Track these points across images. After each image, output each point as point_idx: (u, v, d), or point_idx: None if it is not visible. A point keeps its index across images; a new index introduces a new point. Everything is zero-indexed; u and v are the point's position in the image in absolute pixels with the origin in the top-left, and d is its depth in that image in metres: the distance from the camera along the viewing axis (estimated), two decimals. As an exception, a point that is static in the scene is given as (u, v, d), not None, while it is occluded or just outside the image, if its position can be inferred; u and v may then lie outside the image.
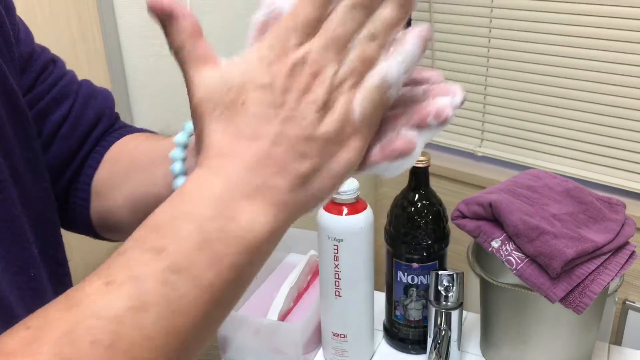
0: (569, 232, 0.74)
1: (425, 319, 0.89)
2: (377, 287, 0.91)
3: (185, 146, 0.47)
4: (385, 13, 0.35)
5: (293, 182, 0.34)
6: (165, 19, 0.36)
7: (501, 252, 0.77)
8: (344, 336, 0.88)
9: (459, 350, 0.87)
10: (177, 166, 0.46)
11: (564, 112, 1.51)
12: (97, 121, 0.57)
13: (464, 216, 0.83)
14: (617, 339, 1.44)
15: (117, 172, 0.55)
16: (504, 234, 0.78)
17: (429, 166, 0.84)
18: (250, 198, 0.33)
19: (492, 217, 0.79)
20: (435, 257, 0.86)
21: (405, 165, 0.38)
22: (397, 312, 0.91)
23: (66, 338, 0.29)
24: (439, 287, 0.82)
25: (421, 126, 0.38)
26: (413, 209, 0.85)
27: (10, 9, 0.51)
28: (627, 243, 0.78)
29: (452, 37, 1.65)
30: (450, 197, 1.08)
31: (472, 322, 0.96)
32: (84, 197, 0.57)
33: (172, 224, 0.33)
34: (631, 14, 1.34)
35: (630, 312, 1.43)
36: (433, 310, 0.83)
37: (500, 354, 0.86)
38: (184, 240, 0.32)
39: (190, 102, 0.37)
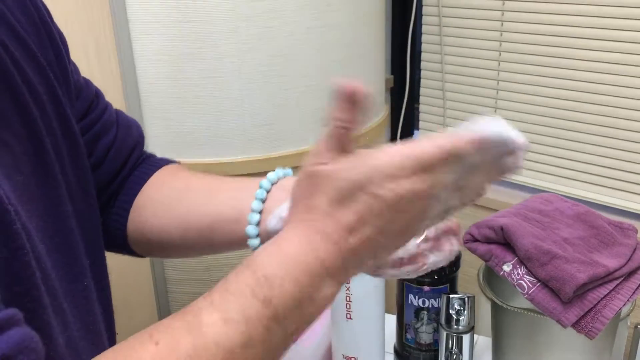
0: (580, 257, 0.74)
1: (436, 342, 0.89)
2: (388, 310, 0.91)
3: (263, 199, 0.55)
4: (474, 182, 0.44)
5: (358, 273, 0.45)
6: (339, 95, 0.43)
7: (512, 276, 0.77)
8: (355, 359, 0.88)
9: (470, 374, 0.87)
10: (254, 222, 0.55)
11: (575, 135, 1.51)
12: (134, 148, 0.65)
13: (475, 239, 0.83)
14: (629, 363, 1.42)
15: (169, 196, 0.62)
16: (515, 258, 0.78)
17: (440, 189, 0.85)
18: (333, 278, 0.42)
19: (504, 240, 0.79)
20: (447, 280, 0.86)
21: (413, 275, 0.52)
22: (408, 335, 0.91)
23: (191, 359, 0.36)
24: (450, 311, 0.82)
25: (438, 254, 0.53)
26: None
27: (65, 42, 0.56)
28: (639, 268, 0.78)
29: (462, 60, 1.67)
30: (460, 219, 1.08)
31: (483, 346, 0.96)
32: (124, 215, 0.63)
33: (280, 281, 0.40)
34: (641, 38, 1.35)
35: (643, 337, 1.41)
36: (444, 333, 0.83)
37: (511, 378, 0.85)
38: (287, 298, 0.40)
39: (309, 170, 0.44)
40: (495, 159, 0.42)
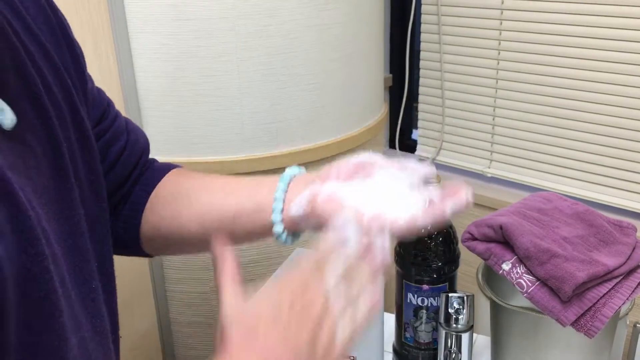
0: (580, 255, 0.74)
1: (435, 341, 0.89)
2: (386, 309, 0.91)
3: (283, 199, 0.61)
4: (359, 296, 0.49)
5: None
6: (215, 261, 0.52)
7: (512, 275, 0.77)
8: (354, 358, 0.88)
9: (469, 373, 0.86)
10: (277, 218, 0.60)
11: (574, 134, 1.51)
12: (141, 155, 0.69)
13: (474, 238, 0.83)
14: (628, 362, 1.42)
15: (187, 194, 0.67)
16: (515, 257, 0.78)
17: (439, 188, 0.85)
18: None
19: (503, 239, 0.79)
20: (446, 279, 0.86)
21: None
22: (407, 334, 0.91)
23: None
24: (449, 310, 0.82)
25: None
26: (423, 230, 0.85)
27: (82, 54, 0.60)
28: (638, 266, 0.77)
29: (461, 59, 1.66)
30: (458, 218, 1.08)
31: (482, 345, 0.96)
32: (136, 216, 0.67)
33: None
34: (640, 37, 1.35)
35: (642, 336, 1.41)
36: (443, 332, 0.83)
37: (510, 377, 0.85)
38: None
39: (220, 316, 0.50)
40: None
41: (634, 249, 0.78)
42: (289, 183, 0.61)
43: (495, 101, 1.63)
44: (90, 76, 0.63)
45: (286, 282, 0.50)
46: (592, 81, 1.44)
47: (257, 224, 0.62)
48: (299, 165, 0.64)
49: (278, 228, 0.61)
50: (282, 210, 0.61)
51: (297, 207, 0.59)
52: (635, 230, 0.82)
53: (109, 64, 1.09)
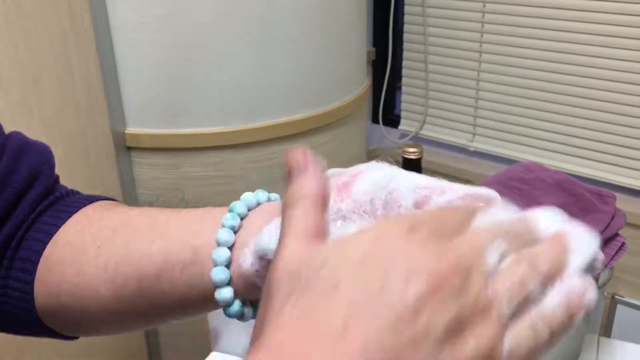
0: (559, 224, 0.74)
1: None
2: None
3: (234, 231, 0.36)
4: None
5: None
6: (291, 171, 0.29)
7: (492, 244, 0.77)
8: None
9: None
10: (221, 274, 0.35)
11: (556, 107, 1.51)
12: (31, 180, 0.45)
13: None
14: (606, 332, 1.45)
15: (97, 239, 0.42)
16: (495, 226, 0.78)
17: (421, 158, 0.84)
18: None
19: (484, 209, 0.79)
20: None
21: None
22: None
23: None
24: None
25: None
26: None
27: None
28: (617, 235, 0.78)
29: (445, 32, 1.66)
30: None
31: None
32: (27, 279, 0.43)
33: None
34: (623, 9, 1.35)
35: (619, 307, 1.44)
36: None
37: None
38: None
39: (267, 278, 0.27)
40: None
41: (612, 217, 0.78)
42: (243, 216, 0.36)
43: (478, 74, 1.62)
44: None
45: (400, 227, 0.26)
46: (574, 54, 1.44)
47: (193, 284, 0.37)
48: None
49: (223, 294, 0.35)
50: (231, 261, 0.35)
51: (252, 258, 0.33)
52: (615, 198, 0.83)
53: (86, 38, 1.07)
